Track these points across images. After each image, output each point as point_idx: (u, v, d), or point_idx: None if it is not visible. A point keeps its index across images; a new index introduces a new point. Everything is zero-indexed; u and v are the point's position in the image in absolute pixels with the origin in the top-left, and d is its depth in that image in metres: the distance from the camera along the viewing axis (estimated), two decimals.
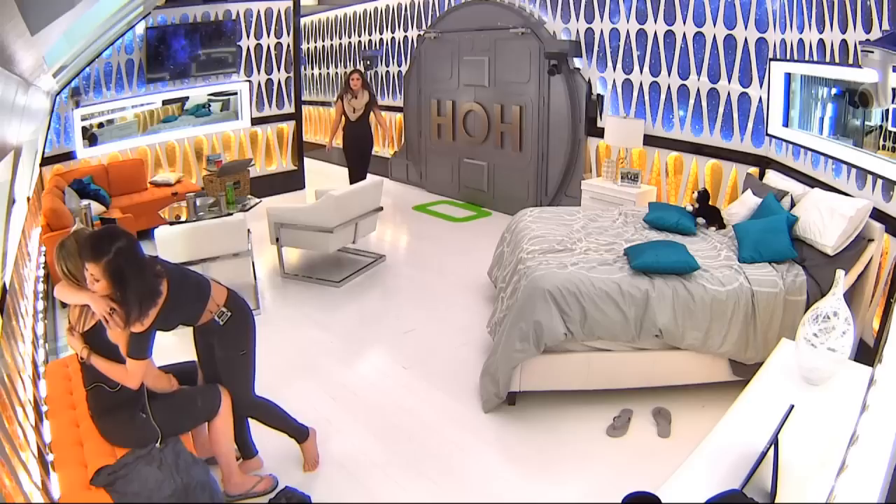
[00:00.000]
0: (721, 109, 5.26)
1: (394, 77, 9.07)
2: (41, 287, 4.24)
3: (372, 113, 7.00)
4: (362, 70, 6.99)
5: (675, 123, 5.65)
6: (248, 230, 4.91)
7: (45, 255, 4.75)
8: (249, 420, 2.90)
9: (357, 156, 7.12)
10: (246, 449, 2.92)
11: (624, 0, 5.78)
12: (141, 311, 2.22)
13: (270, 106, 8.41)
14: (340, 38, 10.23)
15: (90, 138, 6.88)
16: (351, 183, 6.79)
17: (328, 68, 10.69)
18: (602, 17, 6.01)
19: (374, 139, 7.29)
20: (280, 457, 3.00)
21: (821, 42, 4.00)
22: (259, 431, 2.94)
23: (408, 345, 4.24)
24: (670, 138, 5.71)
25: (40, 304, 3.91)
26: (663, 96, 5.68)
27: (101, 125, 7.05)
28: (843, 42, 3.71)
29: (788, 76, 4.51)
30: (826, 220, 3.49)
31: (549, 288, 3.26)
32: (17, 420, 2.04)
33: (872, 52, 2.94)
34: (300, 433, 2.93)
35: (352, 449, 3.12)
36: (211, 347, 2.66)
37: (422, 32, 8.04)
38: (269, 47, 8.17)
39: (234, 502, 2.71)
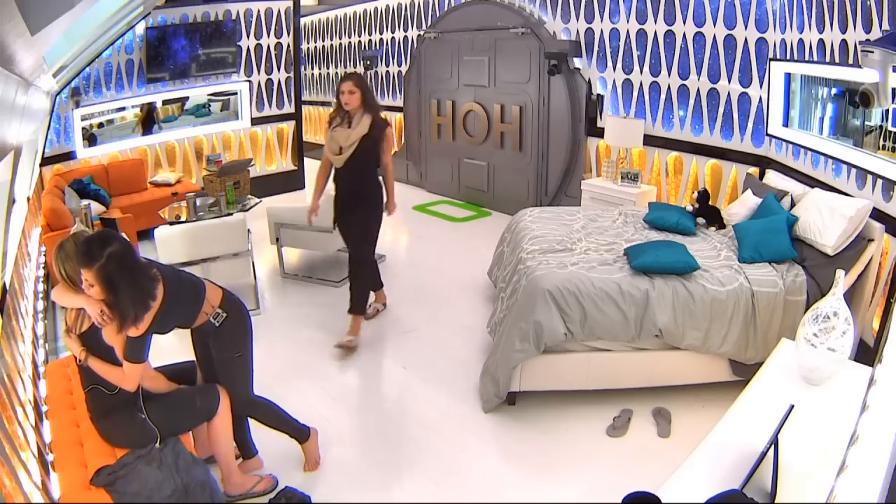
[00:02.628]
0: (721, 109, 5.26)
1: (394, 77, 9.07)
2: (41, 287, 4.24)
3: (380, 152, 4.00)
4: (361, 74, 4.28)
5: (675, 123, 5.65)
6: (248, 230, 4.91)
7: (45, 255, 4.75)
8: (249, 420, 2.90)
9: (345, 230, 4.26)
10: (246, 449, 2.92)
11: (624, 0, 5.78)
12: (136, 316, 2.22)
13: (270, 106, 8.40)
14: (340, 38, 10.23)
15: (89, 138, 6.88)
16: (350, 275, 4.27)
17: (328, 68, 10.69)
18: (602, 17, 6.01)
19: (378, 199, 4.10)
20: (280, 457, 3.00)
21: (821, 42, 4.00)
22: (259, 431, 2.94)
23: (408, 345, 4.24)
24: (670, 138, 5.70)
25: (40, 304, 3.91)
26: (663, 96, 5.68)
27: (100, 125, 7.05)
28: (843, 42, 3.71)
29: (788, 76, 4.50)
30: (826, 220, 3.49)
31: (549, 288, 3.26)
32: (17, 420, 2.04)
33: (872, 52, 2.94)
34: (301, 433, 2.93)
35: (352, 449, 3.12)
36: (208, 348, 2.65)
37: (422, 32, 8.04)
38: (269, 47, 8.17)
39: (234, 502, 2.71)
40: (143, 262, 2.34)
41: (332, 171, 4.12)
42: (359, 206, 4.06)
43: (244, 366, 2.71)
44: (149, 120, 7.36)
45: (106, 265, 2.14)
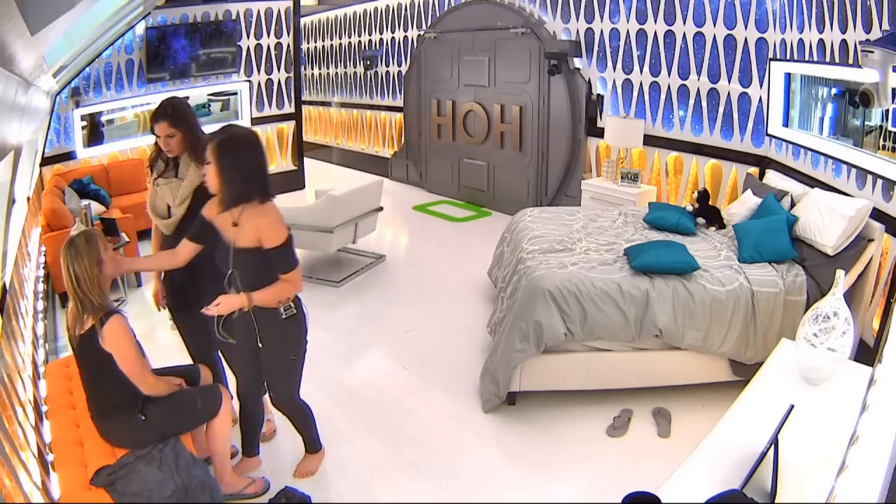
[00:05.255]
0: (721, 109, 5.26)
1: (394, 77, 9.07)
2: (41, 287, 4.23)
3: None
4: (177, 104, 2.73)
5: (675, 123, 5.65)
6: None
7: (45, 255, 4.74)
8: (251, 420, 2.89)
9: (190, 332, 2.92)
10: (250, 447, 2.90)
11: (624, 0, 5.78)
12: (252, 193, 2.34)
13: (270, 106, 8.41)
14: (340, 38, 10.23)
15: (97, 135, 6.85)
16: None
17: (328, 68, 10.70)
18: (602, 17, 6.01)
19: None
20: (280, 457, 3.00)
21: (821, 42, 4.00)
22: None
23: (408, 345, 4.23)
24: (670, 138, 5.70)
25: (40, 304, 3.90)
26: (663, 96, 5.68)
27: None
28: (843, 42, 3.71)
29: (788, 76, 4.50)
30: (826, 220, 3.49)
31: (549, 288, 3.26)
32: (17, 420, 2.04)
33: (872, 52, 2.94)
34: (315, 445, 2.94)
35: (352, 449, 3.12)
36: (253, 340, 2.51)
37: (422, 32, 8.04)
38: (269, 47, 8.17)
39: (229, 502, 2.71)
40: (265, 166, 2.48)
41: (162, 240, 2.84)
42: (203, 292, 2.57)
43: (296, 369, 2.68)
44: (94, 132, 6.97)
45: (227, 141, 2.32)
